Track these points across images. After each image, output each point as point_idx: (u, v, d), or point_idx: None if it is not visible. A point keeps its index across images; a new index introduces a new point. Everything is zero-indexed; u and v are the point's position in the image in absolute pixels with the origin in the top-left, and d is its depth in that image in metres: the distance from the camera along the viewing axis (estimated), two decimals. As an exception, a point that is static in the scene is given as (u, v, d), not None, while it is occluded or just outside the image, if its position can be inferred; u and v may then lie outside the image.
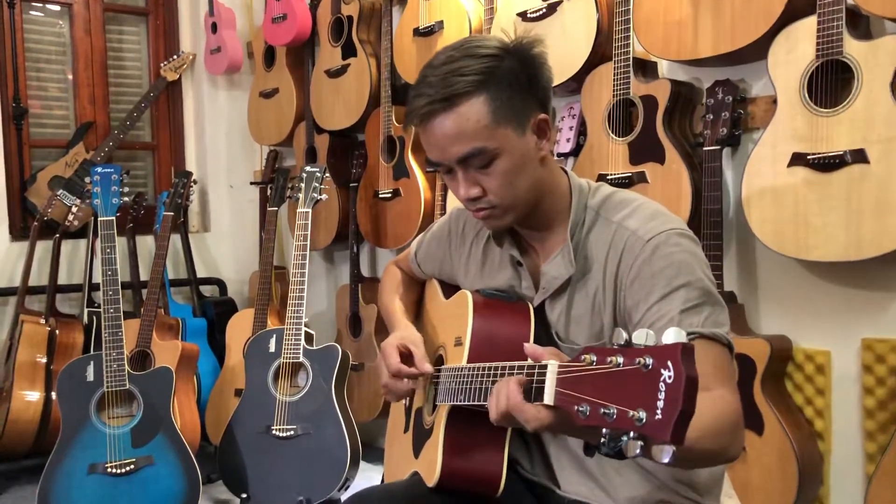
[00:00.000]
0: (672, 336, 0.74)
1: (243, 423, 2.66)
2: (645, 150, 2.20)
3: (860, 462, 2.02)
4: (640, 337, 0.77)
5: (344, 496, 2.58)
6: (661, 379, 0.72)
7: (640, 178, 2.20)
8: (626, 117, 2.26)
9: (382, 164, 3.13)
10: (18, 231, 3.56)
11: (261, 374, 2.67)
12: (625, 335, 0.79)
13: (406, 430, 1.55)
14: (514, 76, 1.19)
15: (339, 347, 2.63)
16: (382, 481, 1.68)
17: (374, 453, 3.09)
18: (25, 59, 3.67)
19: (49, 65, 3.77)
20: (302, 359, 2.62)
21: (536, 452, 1.36)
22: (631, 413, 0.73)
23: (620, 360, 0.77)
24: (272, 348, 2.68)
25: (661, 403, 0.71)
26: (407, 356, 1.43)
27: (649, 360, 0.73)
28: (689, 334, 1.10)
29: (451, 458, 1.26)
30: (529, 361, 1.00)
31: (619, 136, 2.26)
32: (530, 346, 1.01)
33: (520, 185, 1.22)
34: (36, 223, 3.42)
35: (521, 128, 1.20)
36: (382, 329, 3.14)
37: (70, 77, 3.83)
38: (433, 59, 1.22)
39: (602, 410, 0.76)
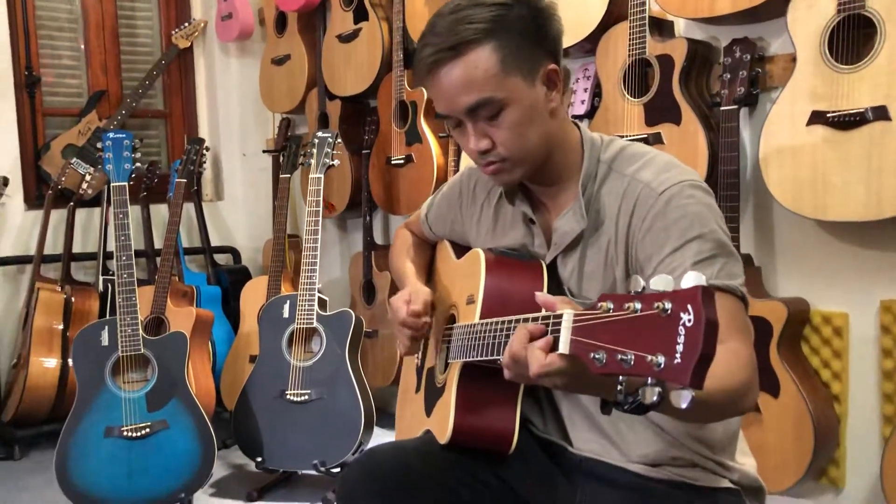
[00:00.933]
0: (692, 280, 0.72)
1: (258, 388, 2.67)
2: (661, 111, 2.17)
3: (877, 424, 2.01)
4: (659, 283, 0.76)
5: (358, 460, 2.59)
6: (681, 323, 0.70)
7: (656, 139, 2.17)
8: (641, 78, 2.23)
9: (395, 130, 3.10)
10: (33, 200, 3.57)
11: (275, 339, 2.67)
12: (642, 282, 0.77)
13: (418, 390, 1.55)
14: (524, 24, 1.17)
15: (352, 313, 2.62)
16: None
17: (388, 419, 3.08)
18: (37, 27, 3.66)
19: (61, 33, 3.76)
20: (316, 324, 2.62)
21: (549, 410, 1.35)
22: (649, 358, 0.72)
23: (638, 305, 0.75)
24: (286, 314, 2.68)
25: (680, 347, 0.69)
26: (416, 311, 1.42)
27: (668, 305, 0.72)
28: None
29: (463, 415, 1.25)
30: (544, 312, 0.98)
31: (634, 97, 2.23)
32: (542, 295, 0.99)
33: (530, 137, 1.20)
34: (50, 192, 3.43)
35: (531, 78, 1.18)
36: (396, 296, 3.14)
37: (82, 46, 3.81)
38: (441, 8, 1.20)
39: (619, 356, 0.75)
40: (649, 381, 0.72)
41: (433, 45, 1.16)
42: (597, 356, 0.79)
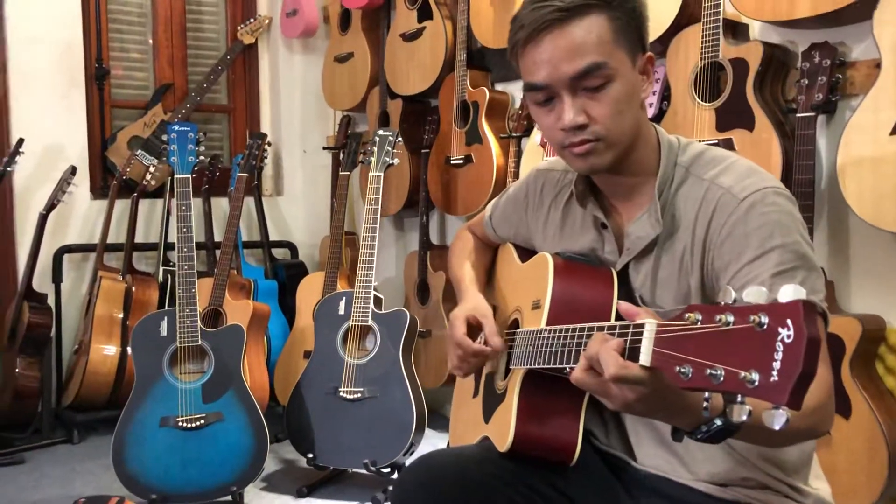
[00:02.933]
0: (790, 293, 0.67)
1: (311, 385, 2.67)
2: (733, 116, 2.10)
3: (955, 452, 1.90)
4: (753, 295, 0.71)
5: (409, 461, 2.57)
6: (779, 338, 0.65)
7: (728, 145, 2.10)
8: (713, 82, 2.16)
9: (455, 130, 3.08)
10: (99, 189, 3.64)
11: (330, 336, 2.67)
12: (733, 293, 0.73)
13: (475, 394, 1.52)
14: (632, 7, 1.14)
15: (407, 312, 2.61)
16: (448, 447, 1.66)
17: (439, 421, 3.08)
18: (108, 20, 3.73)
19: (131, 27, 3.83)
20: (370, 322, 2.61)
21: (612, 423, 1.30)
22: (742, 374, 0.67)
23: (731, 318, 0.70)
24: (342, 311, 2.67)
25: (777, 364, 0.65)
26: (476, 328, 1.38)
27: (764, 319, 0.67)
28: None
29: (524, 424, 1.21)
30: (621, 321, 0.94)
31: (705, 102, 2.16)
32: (625, 304, 0.95)
33: (626, 119, 1.15)
34: (115, 182, 3.49)
35: (633, 59, 1.15)
36: (450, 297, 3.12)
37: (150, 40, 3.88)
38: None
39: (708, 371, 0.70)
40: (738, 398, 0.68)
41: (541, 8, 1.11)
42: (682, 370, 0.74)
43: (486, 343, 1.36)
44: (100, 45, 3.67)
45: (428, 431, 2.65)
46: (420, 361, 3.20)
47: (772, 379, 0.65)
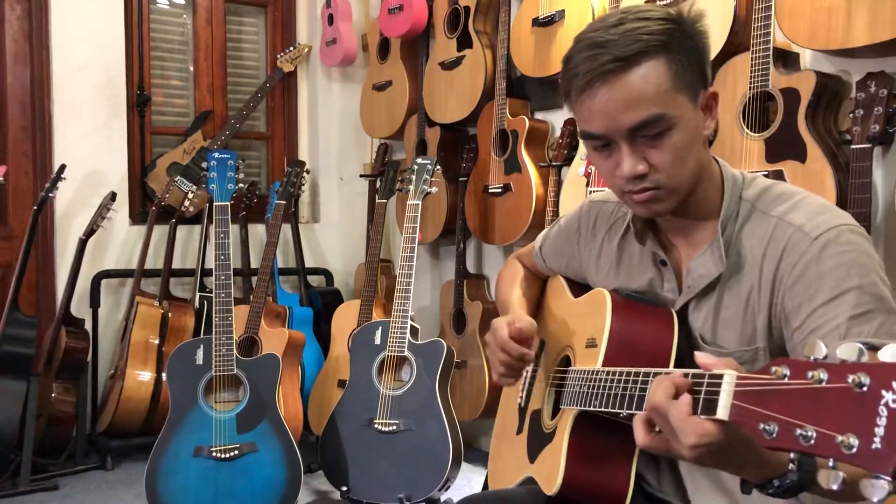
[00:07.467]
0: (891, 353, 0.62)
1: (346, 415, 2.63)
2: (784, 147, 2.04)
3: None
4: (846, 352, 0.65)
5: (444, 496, 2.52)
6: (883, 402, 0.60)
7: (777, 177, 2.03)
8: (762, 112, 2.10)
9: (494, 158, 3.05)
10: (137, 215, 3.66)
11: (365, 366, 2.64)
12: (825, 348, 0.67)
13: (519, 431, 1.47)
14: (692, 43, 1.08)
15: (444, 343, 2.56)
16: (486, 481, 1.61)
17: (474, 454, 3.02)
18: (151, 48, 3.78)
19: (172, 55, 3.88)
20: (407, 352, 2.57)
21: (666, 468, 1.24)
22: (839, 438, 0.61)
23: (824, 376, 0.65)
24: (377, 340, 2.64)
25: (880, 430, 0.60)
26: (517, 337, 1.32)
27: (865, 379, 0.62)
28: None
29: (574, 467, 1.16)
30: (694, 370, 0.88)
31: (754, 132, 2.10)
32: (703, 356, 0.88)
33: (689, 163, 1.09)
34: (154, 208, 3.51)
35: (694, 100, 1.09)
36: (486, 327, 3.06)
37: (191, 67, 3.92)
38: (597, 23, 1.10)
39: (797, 431, 0.64)
40: (830, 463, 0.62)
41: (600, 57, 1.05)
42: (767, 427, 0.68)
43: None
44: (142, 72, 3.71)
45: (464, 465, 2.59)
46: (455, 393, 3.14)
47: (873, 446, 0.60)
